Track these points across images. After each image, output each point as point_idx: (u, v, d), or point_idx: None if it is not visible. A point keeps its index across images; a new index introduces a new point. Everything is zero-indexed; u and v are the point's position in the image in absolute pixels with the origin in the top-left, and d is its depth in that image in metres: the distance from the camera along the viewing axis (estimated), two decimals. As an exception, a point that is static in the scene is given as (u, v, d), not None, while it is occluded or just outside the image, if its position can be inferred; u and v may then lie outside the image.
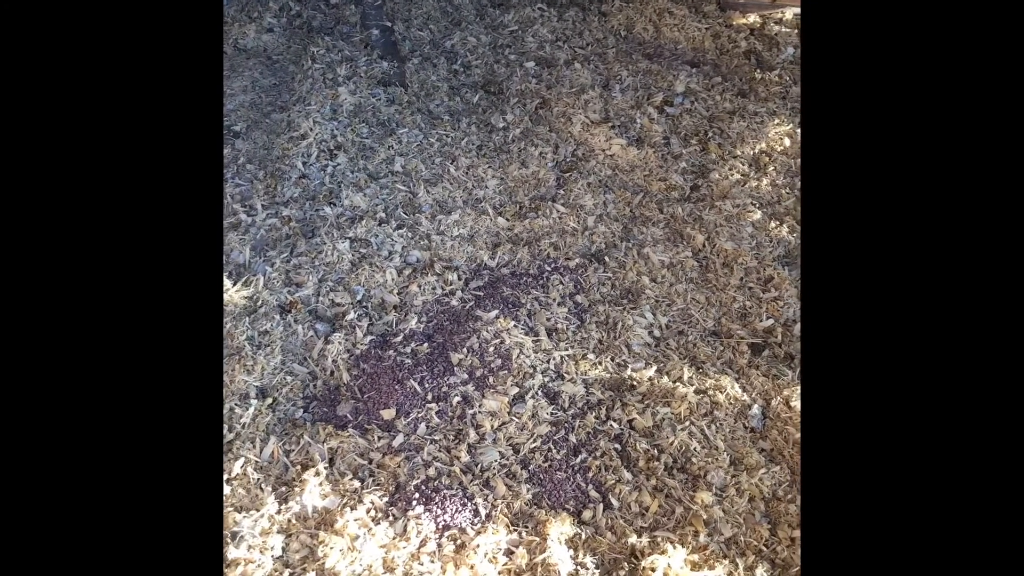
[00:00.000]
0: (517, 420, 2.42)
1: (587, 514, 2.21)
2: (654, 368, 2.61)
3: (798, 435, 2.41)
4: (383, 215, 3.21)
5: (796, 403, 2.52)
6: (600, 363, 2.62)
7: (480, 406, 2.45)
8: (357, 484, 2.23)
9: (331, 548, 2.06)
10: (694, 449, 2.37)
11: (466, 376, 2.55)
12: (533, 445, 2.36)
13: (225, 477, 2.24)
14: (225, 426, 2.38)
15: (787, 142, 3.71)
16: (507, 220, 3.22)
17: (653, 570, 2.06)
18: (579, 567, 2.08)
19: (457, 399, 2.47)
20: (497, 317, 2.73)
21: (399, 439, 2.36)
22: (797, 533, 2.18)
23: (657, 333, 2.76)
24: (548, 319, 2.76)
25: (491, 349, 2.62)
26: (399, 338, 2.67)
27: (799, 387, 2.57)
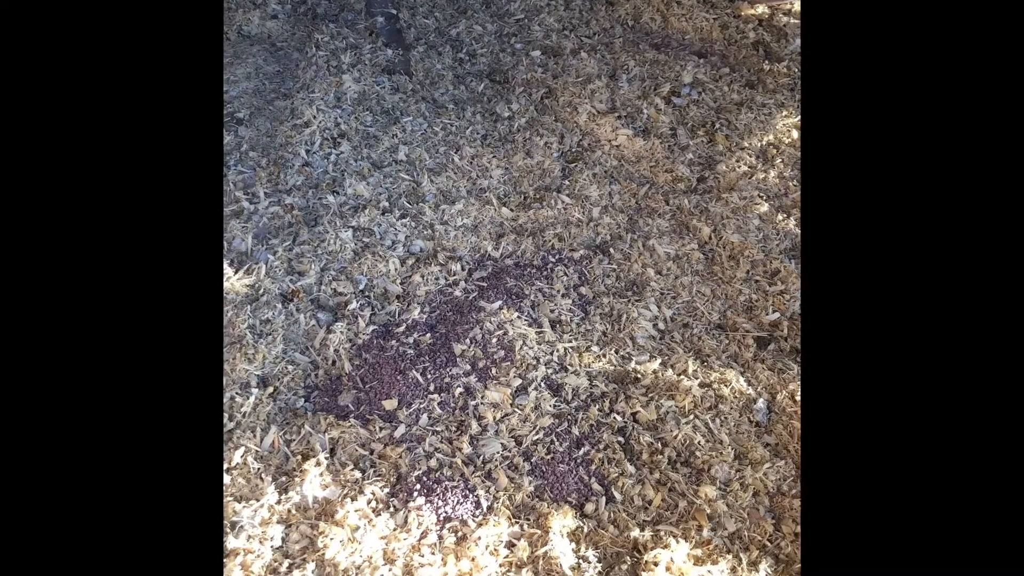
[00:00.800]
0: (520, 412, 2.40)
1: (589, 507, 2.19)
2: (658, 361, 2.58)
3: (803, 430, 2.39)
4: (386, 204, 3.18)
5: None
6: (604, 355, 2.59)
7: (482, 397, 2.43)
8: (358, 475, 2.21)
9: (331, 539, 2.04)
10: (698, 443, 2.34)
11: (469, 367, 2.52)
12: (535, 437, 2.34)
13: (225, 466, 2.22)
14: (225, 415, 2.36)
15: (795, 134, 3.67)
16: (511, 210, 3.19)
17: (656, 564, 2.04)
18: (581, 560, 2.06)
19: (459, 390, 2.45)
20: (500, 308, 2.71)
21: (401, 430, 2.34)
22: (801, 529, 2.17)
23: (662, 326, 2.74)
24: (552, 310, 2.73)
25: (494, 340, 2.60)
26: (402, 328, 2.64)
27: (805, 381, 2.54)
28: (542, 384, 2.49)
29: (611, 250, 3.01)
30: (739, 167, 3.47)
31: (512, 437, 2.34)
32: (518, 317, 2.68)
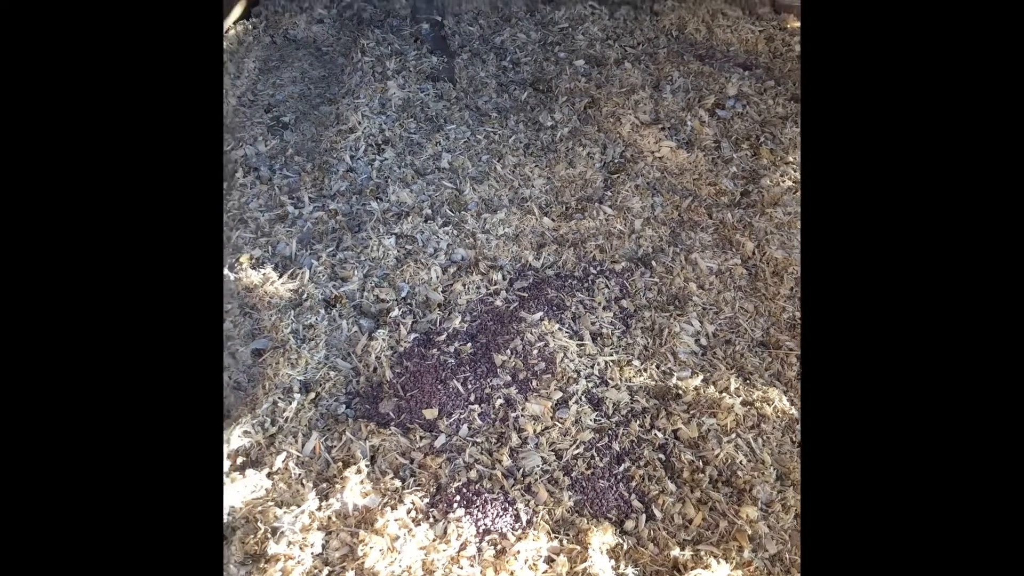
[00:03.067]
0: (560, 425, 2.39)
1: (629, 524, 2.17)
2: (700, 377, 2.56)
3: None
4: (429, 211, 3.19)
5: (846, 419, 2.46)
6: (645, 370, 2.58)
7: (523, 409, 2.43)
8: (398, 483, 2.21)
9: (371, 548, 2.05)
10: (740, 462, 2.32)
11: (509, 378, 2.52)
12: (576, 451, 2.33)
13: (266, 471, 2.24)
14: (268, 419, 2.38)
15: (841, 149, 3.63)
16: (553, 220, 3.18)
17: (696, 585, 2.02)
18: (620, 578, 2.05)
19: (500, 401, 2.45)
20: (541, 319, 2.70)
21: (441, 439, 2.35)
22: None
23: (704, 341, 2.71)
24: (593, 323, 2.72)
25: (535, 352, 2.59)
26: (443, 337, 2.65)
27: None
28: (583, 398, 2.48)
29: (653, 263, 2.99)
30: (784, 182, 3.43)
31: (552, 451, 2.33)
32: (559, 329, 2.67)
